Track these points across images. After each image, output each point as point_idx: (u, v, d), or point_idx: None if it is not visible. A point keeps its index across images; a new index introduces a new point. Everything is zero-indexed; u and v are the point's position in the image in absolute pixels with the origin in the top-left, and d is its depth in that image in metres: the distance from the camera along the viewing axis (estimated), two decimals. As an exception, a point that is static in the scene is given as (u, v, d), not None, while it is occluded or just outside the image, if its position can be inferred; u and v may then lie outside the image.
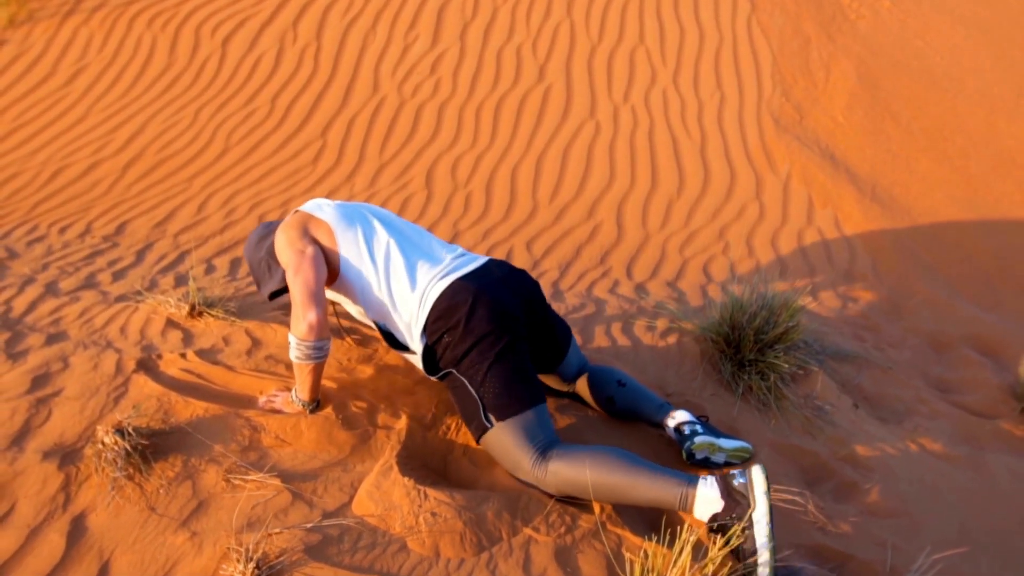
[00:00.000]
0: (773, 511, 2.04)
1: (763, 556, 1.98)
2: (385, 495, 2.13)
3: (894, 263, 4.56)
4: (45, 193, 4.50)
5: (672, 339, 3.28)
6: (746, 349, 2.99)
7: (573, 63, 6.10)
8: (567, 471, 2.15)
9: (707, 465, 2.49)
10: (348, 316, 3.03)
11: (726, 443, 2.51)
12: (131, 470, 2.19)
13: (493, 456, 2.30)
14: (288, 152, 4.98)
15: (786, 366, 2.95)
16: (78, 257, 3.81)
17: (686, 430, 2.50)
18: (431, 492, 2.13)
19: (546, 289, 3.93)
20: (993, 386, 3.56)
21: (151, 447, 2.27)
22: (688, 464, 2.50)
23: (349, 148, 5.06)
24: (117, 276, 3.64)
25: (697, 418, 2.54)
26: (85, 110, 5.19)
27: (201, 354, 2.80)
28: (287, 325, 2.99)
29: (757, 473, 2.05)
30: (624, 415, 2.64)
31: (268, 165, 4.85)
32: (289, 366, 2.74)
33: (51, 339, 2.93)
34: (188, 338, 2.97)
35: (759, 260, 4.48)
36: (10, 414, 2.45)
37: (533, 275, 4.04)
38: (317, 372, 2.36)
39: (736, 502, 2.05)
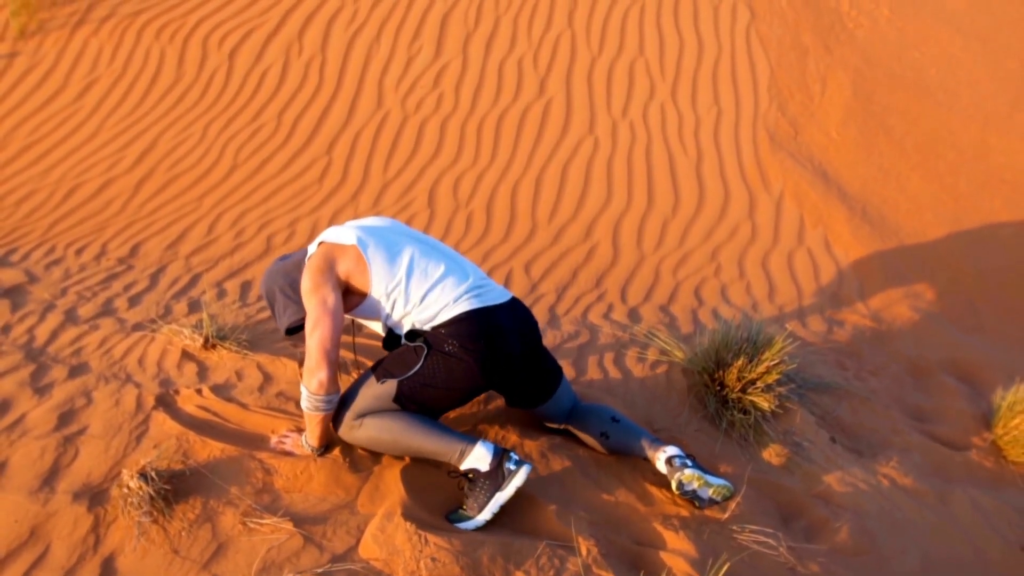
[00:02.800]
0: (506, 503, 2.45)
1: (477, 518, 2.45)
2: (389, 539, 2.31)
3: (880, 285, 4.72)
4: (61, 212, 4.66)
5: (661, 371, 3.46)
6: (730, 386, 3.17)
7: (573, 76, 6.22)
8: (372, 431, 2.52)
9: (694, 497, 2.65)
10: (371, 334, 3.25)
11: (712, 479, 2.68)
12: (155, 513, 2.38)
13: (352, 383, 2.60)
14: (295, 170, 5.13)
15: (766, 404, 3.12)
16: (95, 281, 3.98)
17: (676, 462, 2.66)
18: (431, 537, 2.31)
19: (543, 314, 4.10)
20: (967, 415, 3.74)
21: (172, 490, 2.45)
22: (678, 495, 2.65)
23: (354, 166, 5.21)
24: (133, 301, 3.81)
25: (686, 454, 2.72)
26: (97, 126, 5.34)
27: (216, 390, 2.98)
28: (296, 359, 3.17)
29: (523, 474, 2.44)
30: (616, 449, 2.81)
31: (276, 183, 5.01)
32: (299, 404, 2.92)
33: (74, 372, 3.11)
34: (203, 371, 3.15)
35: (750, 282, 4.64)
36: (40, 453, 2.64)
37: (531, 298, 4.23)
38: (326, 422, 2.54)
39: (497, 475, 2.44)
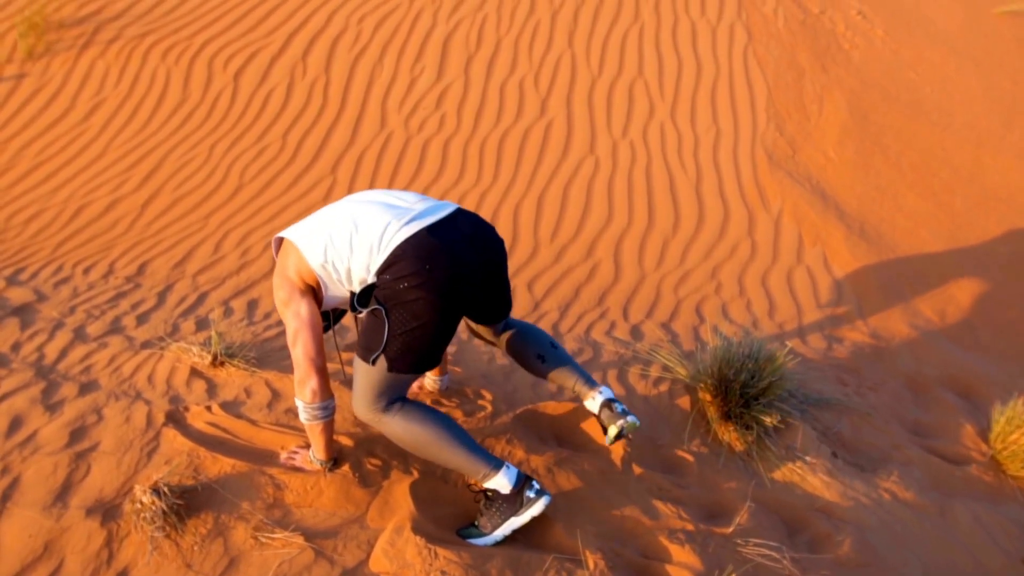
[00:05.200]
0: (516, 530, 2.48)
1: (489, 536, 2.48)
2: (399, 553, 2.35)
3: (878, 302, 4.78)
4: (68, 232, 4.71)
5: (664, 388, 3.50)
6: (732, 403, 3.21)
7: (574, 96, 6.30)
8: (400, 428, 2.47)
9: (618, 438, 2.68)
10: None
11: (636, 421, 2.69)
12: (168, 528, 2.41)
13: (353, 375, 2.54)
14: (300, 189, 5.20)
15: (769, 420, 3.17)
16: (103, 299, 4.03)
17: (617, 408, 2.69)
18: (441, 551, 2.34)
19: (547, 331, 4.15)
20: (966, 430, 3.78)
21: (184, 505, 2.49)
22: (611, 438, 2.67)
23: (358, 186, 5.27)
24: (141, 320, 3.85)
25: (616, 397, 2.78)
26: (104, 146, 5.40)
27: (225, 407, 3.02)
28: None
29: (541, 505, 2.45)
30: (549, 375, 2.79)
31: (281, 203, 5.06)
32: (307, 421, 2.96)
33: (84, 389, 3.15)
34: (212, 388, 3.19)
35: (750, 300, 4.69)
36: (52, 469, 2.67)
37: (535, 315, 4.27)
38: (328, 430, 2.58)
39: (516, 501, 2.46)
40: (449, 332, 2.46)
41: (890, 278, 5.00)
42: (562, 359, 2.80)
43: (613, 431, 2.67)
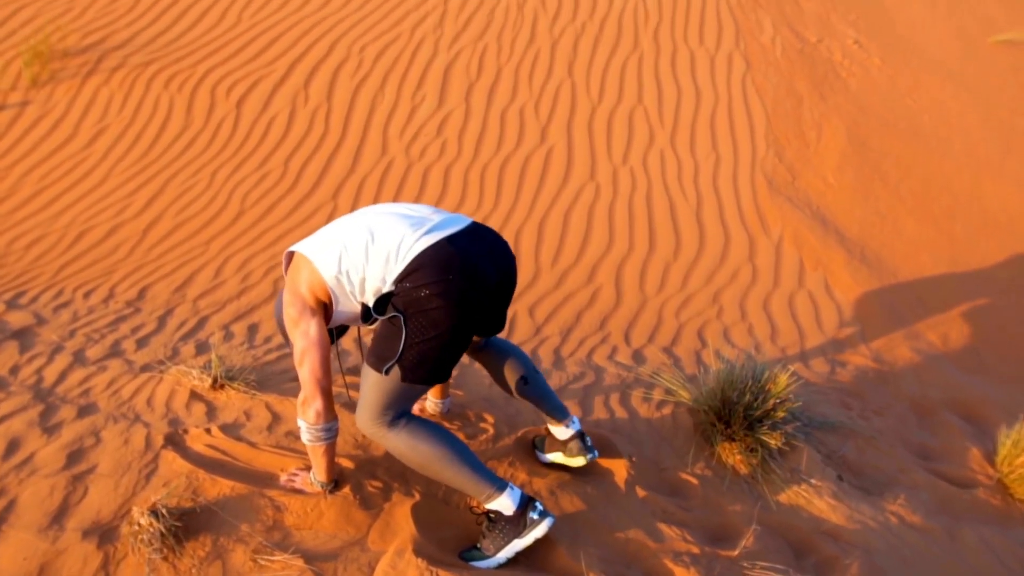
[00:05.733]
0: (523, 550, 2.45)
1: (492, 559, 2.44)
2: (401, 575, 2.31)
3: (881, 326, 4.76)
4: (69, 256, 4.71)
5: (667, 411, 3.47)
6: (736, 425, 3.18)
7: (574, 124, 6.34)
8: (404, 444, 2.42)
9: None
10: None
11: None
12: (166, 550, 2.37)
13: (360, 390, 2.48)
14: (301, 215, 5.20)
15: (773, 442, 3.14)
16: (103, 323, 4.01)
17: (588, 442, 2.84)
18: (443, 574, 2.31)
19: (548, 356, 4.13)
20: (972, 454, 3.74)
21: (183, 527, 2.45)
22: (567, 466, 2.86)
23: (359, 211, 5.28)
24: (141, 343, 3.83)
25: (584, 432, 2.87)
26: (106, 172, 5.42)
27: (225, 429, 2.99)
28: (304, 400, 3.18)
29: (544, 526, 2.43)
30: (528, 398, 2.82)
31: (282, 228, 5.07)
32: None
33: (82, 411, 3.12)
34: (211, 411, 3.16)
35: (752, 324, 4.68)
36: (49, 491, 2.63)
37: (536, 340, 4.25)
38: (330, 452, 2.54)
39: (519, 522, 2.43)
40: (464, 344, 2.43)
41: (892, 302, 4.99)
42: (543, 385, 2.86)
43: (580, 461, 2.81)
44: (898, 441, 3.72)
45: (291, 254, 2.65)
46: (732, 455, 3.18)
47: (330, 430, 2.50)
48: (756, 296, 4.94)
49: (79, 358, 3.60)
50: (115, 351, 3.72)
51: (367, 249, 2.38)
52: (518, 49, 7.09)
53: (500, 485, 2.46)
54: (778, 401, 3.23)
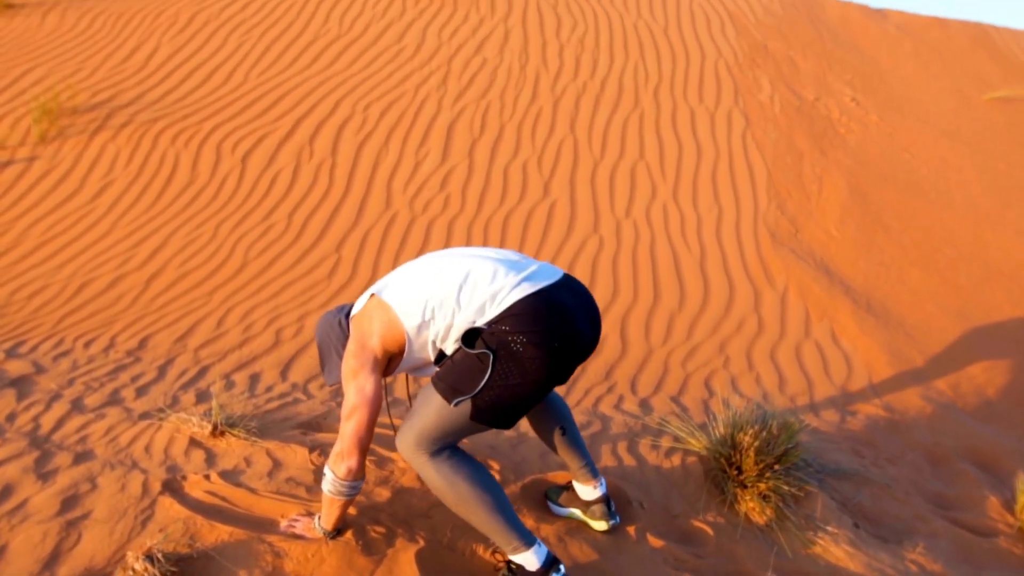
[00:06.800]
0: None
1: None
2: (404, 623, 2.21)
3: (890, 375, 4.70)
4: (71, 307, 4.68)
5: (676, 459, 3.39)
6: (747, 471, 3.11)
7: (577, 178, 6.39)
8: (443, 477, 2.32)
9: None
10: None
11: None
12: (160, 597, 2.28)
13: (414, 405, 2.36)
14: (304, 267, 5.19)
15: (787, 487, 3.05)
16: (102, 372, 3.96)
17: (613, 508, 2.79)
18: (448, 621, 2.21)
19: (553, 404, 4.06)
20: (990, 502, 3.65)
21: (179, 573, 2.36)
22: (582, 523, 2.80)
23: (363, 263, 5.28)
24: (140, 392, 3.78)
25: (609, 497, 2.82)
26: (111, 225, 5.43)
27: (224, 476, 2.92)
28: (306, 446, 3.11)
29: None
30: (563, 448, 2.76)
31: (285, 280, 5.05)
32: (309, 489, 2.85)
33: (79, 458, 3.05)
34: (211, 458, 3.09)
35: (759, 374, 4.62)
36: (41, 537, 2.55)
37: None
38: (346, 507, 2.47)
39: None
40: (542, 396, 2.33)
41: (900, 351, 4.93)
42: (578, 438, 2.79)
43: (603, 526, 2.77)
44: (913, 489, 3.63)
45: (346, 309, 2.57)
46: (745, 502, 3.09)
47: (355, 488, 2.42)
48: (763, 346, 4.89)
49: (77, 406, 3.54)
50: (114, 399, 3.66)
51: (459, 293, 2.29)
52: (520, 107, 7.20)
53: (529, 540, 2.37)
54: (789, 447, 3.15)
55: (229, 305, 4.81)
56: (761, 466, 3.12)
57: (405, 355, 2.40)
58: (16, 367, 3.85)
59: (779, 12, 9.94)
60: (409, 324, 2.33)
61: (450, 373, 2.29)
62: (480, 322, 2.25)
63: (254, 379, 4.09)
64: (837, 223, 6.26)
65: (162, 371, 4.06)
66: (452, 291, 2.29)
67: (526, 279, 2.29)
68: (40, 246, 5.23)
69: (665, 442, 3.51)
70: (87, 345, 4.29)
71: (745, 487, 3.12)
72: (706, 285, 5.40)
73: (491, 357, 2.21)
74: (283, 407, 3.67)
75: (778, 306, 5.26)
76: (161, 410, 3.51)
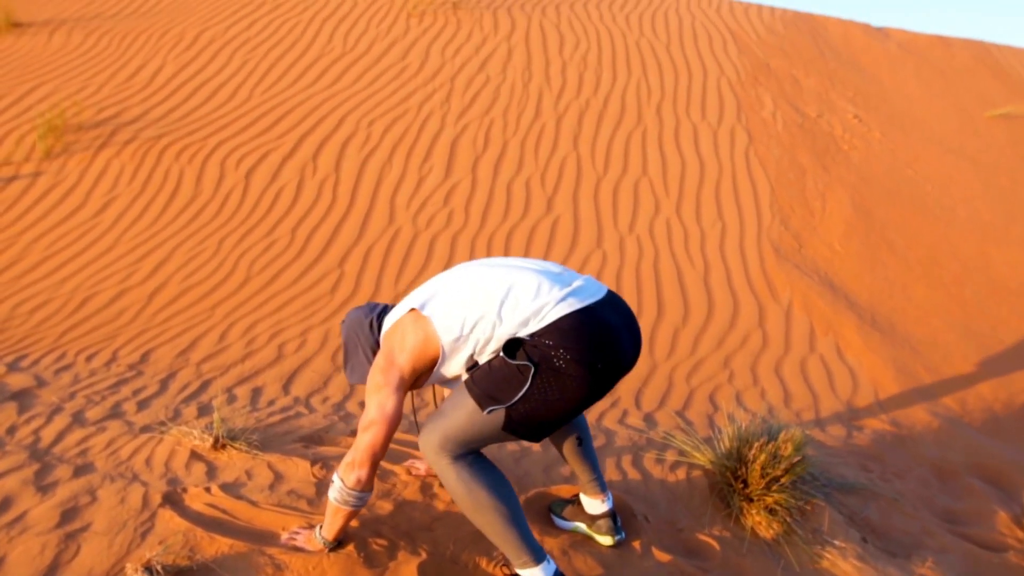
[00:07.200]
0: None
1: None
2: (405, 636, 2.18)
3: (896, 390, 4.67)
4: (73, 321, 4.67)
5: (681, 472, 3.36)
6: (753, 484, 3.07)
7: (580, 194, 6.39)
8: (463, 482, 2.27)
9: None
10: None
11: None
12: (159, 609, 2.25)
13: (444, 404, 2.32)
14: (307, 282, 5.19)
15: (794, 501, 3.02)
16: (104, 386, 3.94)
17: (618, 523, 2.77)
18: (451, 634, 2.18)
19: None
20: (1000, 517, 3.60)
21: (178, 586, 2.33)
22: (586, 537, 2.77)
23: (366, 278, 5.27)
24: (142, 405, 3.75)
25: (616, 513, 2.79)
26: (114, 240, 5.44)
27: (225, 488, 2.89)
28: (308, 459, 3.09)
29: None
30: (576, 459, 2.73)
31: (288, 295, 5.04)
32: (310, 502, 2.83)
33: (79, 471, 3.02)
34: (212, 471, 3.06)
35: (764, 389, 4.59)
36: (40, 549, 2.52)
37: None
38: (350, 517, 2.44)
39: None
40: (577, 414, 2.29)
41: (906, 366, 4.90)
42: (592, 450, 2.77)
43: (608, 541, 2.75)
44: (921, 504, 3.58)
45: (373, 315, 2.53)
46: (751, 515, 3.05)
47: (362, 499, 2.39)
48: (767, 361, 4.86)
49: (78, 419, 3.52)
50: (115, 412, 3.64)
51: (501, 308, 2.24)
52: (524, 124, 7.22)
53: (540, 556, 2.33)
54: (796, 460, 3.12)
55: (232, 320, 4.80)
56: (767, 479, 3.09)
57: (435, 369, 2.35)
58: (17, 380, 3.84)
59: (781, 31, 9.99)
60: (446, 338, 2.28)
61: (486, 379, 2.24)
62: (523, 333, 2.21)
63: (256, 393, 4.06)
64: (841, 239, 6.24)
65: (164, 385, 4.04)
66: (494, 305, 2.24)
67: (571, 294, 2.24)
68: (43, 261, 5.23)
69: (670, 456, 3.48)
70: (89, 359, 4.28)
71: (751, 501, 3.08)
72: (710, 300, 5.38)
73: (532, 370, 2.17)
74: (285, 421, 3.65)
75: (782, 321, 5.24)
76: (162, 423, 3.48)
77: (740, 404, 4.41)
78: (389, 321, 2.46)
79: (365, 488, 2.35)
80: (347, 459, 2.35)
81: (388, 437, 2.31)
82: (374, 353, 2.52)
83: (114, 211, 5.71)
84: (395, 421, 2.31)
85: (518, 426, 2.22)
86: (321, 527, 2.51)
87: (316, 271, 5.34)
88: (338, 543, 2.53)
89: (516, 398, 2.18)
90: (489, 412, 2.21)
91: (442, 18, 9.03)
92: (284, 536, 2.61)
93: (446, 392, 2.94)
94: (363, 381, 2.55)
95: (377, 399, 2.31)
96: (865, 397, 4.59)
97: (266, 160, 6.33)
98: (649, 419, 4.17)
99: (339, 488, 2.36)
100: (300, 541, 2.56)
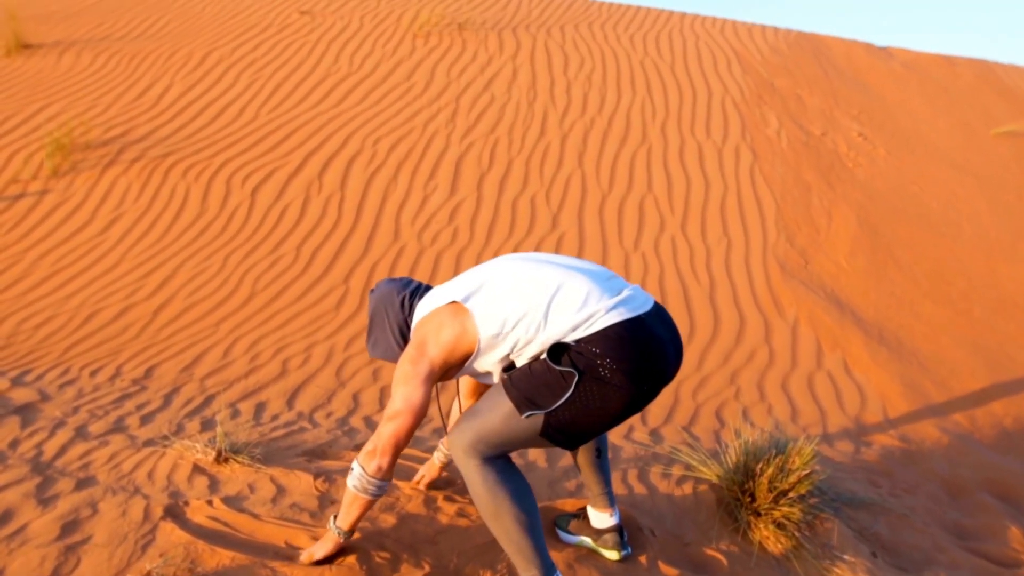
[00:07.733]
0: None
1: None
2: (408, 649, 2.14)
3: (904, 406, 4.63)
4: (78, 336, 4.67)
5: (688, 487, 3.32)
6: (761, 498, 3.03)
7: (585, 212, 6.39)
8: (488, 484, 2.21)
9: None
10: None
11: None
12: (158, 622, 2.23)
13: (479, 404, 2.26)
14: (312, 298, 5.18)
15: (802, 515, 2.98)
16: (108, 400, 3.93)
17: (624, 539, 2.74)
18: (454, 647, 2.14)
19: (562, 433, 4.00)
20: (1012, 533, 3.55)
21: (178, 598, 2.31)
22: (591, 550, 2.75)
23: (370, 293, 5.26)
24: (145, 420, 3.74)
25: (622, 528, 2.76)
26: (120, 256, 5.45)
27: (227, 501, 2.87)
28: (311, 473, 3.06)
29: None
30: (592, 470, 2.70)
31: (292, 311, 5.04)
32: (313, 514, 2.80)
33: (80, 484, 3.00)
34: (214, 484, 3.04)
35: (771, 404, 4.55)
36: (40, 561, 2.50)
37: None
38: (367, 507, 2.40)
39: None
40: (616, 425, 2.25)
41: (915, 382, 4.86)
42: (607, 464, 2.75)
43: (614, 555, 2.73)
44: (932, 519, 3.54)
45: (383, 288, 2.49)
46: (759, 530, 3.01)
47: (381, 488, 2.35)
48: (774, 377, 4.83)
49: (81, 433, 3.50)
50: (118, 427, 3.63)
51: (548, 310, 2.19)
52: (529, 142, 7.24)
53: (550, 570, 2.30)
54: (804, 473, 3.08)
55: (236, 335, 4.79)
56: (775, 493, 3.05)
57: (468, 363, 2.31)
58: (21, 395, 3.83)
59: (785, 51, 10.04)
60: (485, 334, 2.24)
61: (526, 383, 2.19)
62: (570, 338, 2.17)
63: (260, 408, 4.05)
64: (847, 255, 6.22)
65: (167, 400, 4.03)
66: (540, 307, 2.20)
67: (621, 303, 2.19)
68: (49, 277, 5.24)
69: (676, 470, 3.44)
70: (93, 374, 4.27)
71: (759, 515, 3.05)
72: (716, 316, 5.35)
73: (576, 377, 2.12)
74: (288, 435, 3.63)
75: (789, 337, 5.21)
76: (165, 437, 3.47)
77: (747, 420, 4.37)
78: (425, 307, 2.40)
79: (385, 477, 2.32)
80: (368, 447, 2.31)
81: (413, 428, 2.28)
82: (400, 331, 2.47)
83: (120, 228, 5.73)
84: (421, 413, 2.28)
85: (555, 433, 2.18)
86: (336, 517, 2.48)
87: (321, 287, 5.34)
88: (351, 532, 2.49)
89: (557, 404, 2.14)
90: (527, 416, 2.16)
91: (447, 39, 9.10)
92: (303, 555, 2.56)
93: (455, 408, 2.92)
94: (383, 357, 2.52)
95: (405, 390, 2.27)
96: (873, 413, 4.55)
97: (272, 178, 6.35)
98: (655, 434, 4.13)
99: (359, 475, 2.32)
100: (315, 547, 2.53)
